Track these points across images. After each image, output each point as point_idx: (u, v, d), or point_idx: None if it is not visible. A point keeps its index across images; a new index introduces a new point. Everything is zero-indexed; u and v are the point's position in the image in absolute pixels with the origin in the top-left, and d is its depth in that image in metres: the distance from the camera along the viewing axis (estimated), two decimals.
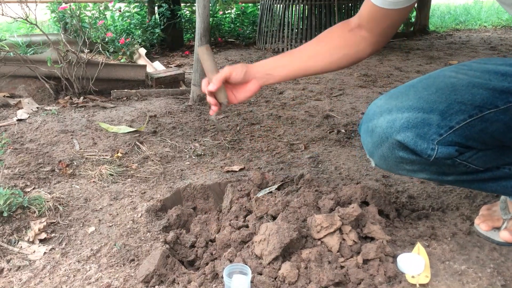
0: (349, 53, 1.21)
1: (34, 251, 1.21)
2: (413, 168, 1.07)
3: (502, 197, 1.24)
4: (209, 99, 1.20)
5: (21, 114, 2.38)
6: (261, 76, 1.21)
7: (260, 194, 1.37)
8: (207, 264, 1.14)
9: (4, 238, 1.26)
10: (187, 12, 5.16)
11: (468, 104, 0.97)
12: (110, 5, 4.68)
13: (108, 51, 4.02)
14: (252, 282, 1.02)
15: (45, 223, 1.32)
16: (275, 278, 1.04)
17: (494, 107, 0.96)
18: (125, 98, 2.78)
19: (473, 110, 0.96)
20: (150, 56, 4.25)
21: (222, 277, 1.05)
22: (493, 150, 1.03)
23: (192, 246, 1.23)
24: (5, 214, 1.32)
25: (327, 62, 1.22)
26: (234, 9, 5.64)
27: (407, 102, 1.01)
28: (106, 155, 1.85)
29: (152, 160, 1.81)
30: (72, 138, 2.05)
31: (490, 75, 0.99)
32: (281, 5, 4.73)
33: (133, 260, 1.16)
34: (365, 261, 1.08)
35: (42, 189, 1.54)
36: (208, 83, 1.19)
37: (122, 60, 3.98)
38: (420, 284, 1.03)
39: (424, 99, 1.00)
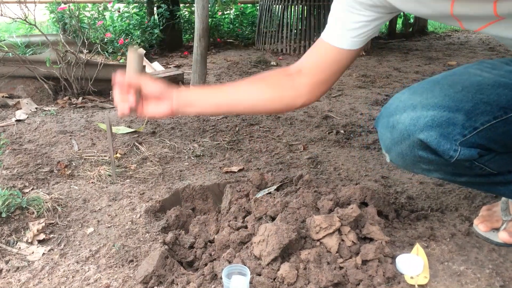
0: (280, 97, 1.13)
1: (33, 252, 1.21)
2: (429, 167, 1.05)
3: (504, 198, 1.24)
4: (118, 97, 1.09)
5: (20, 114, 2.38)
6: (179, 103, 1.10)
7: (259, 195, 1.37)
8: (206, 265, 1.14)
9: (3, 239, 1.26)
10: (186, 12, 5.16)
11: (494, 105, 0.94)
12: (109, 5, 4.68)
13: (107, 51, 4.02)
14: (251, 283, 1.02)
15: (43, 224, 1.32)
16: (274, 279, 1.03)
17: None
18: None
19: (498, 111, 0.94)
20: (149, 57, 4.25)
21: (221, 278, 1.05)
22: (508, 154, 1.02)
23: (191, 247, 1.23)
24: (3, 215, 1.32)
25: (254, 101, 1.14)
26: (233, 9, 5.64)
27: (432, 99, 0.97)
28: (105, 156, 1.85)
29: (151, 161, 1.80)
30: (71, 138, 2.05)
31: None
32: (280, 6, 4.73)
33: (132, 261, 1.15)
34: (364, 262, 1.08)
35: (40, 189, 1.54)
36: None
37: (121, 61, 3.97)
38: (419, 285, 1.03)
39: (450, 97, 0.96)
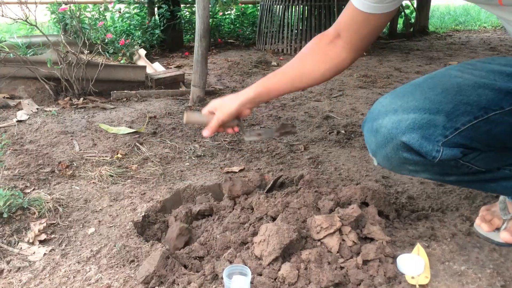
0: (332, 66, 1.24)
1: (34, 252, 1.21)
2: (416, 168, 1.06)
3: (501, 197, 1.24)
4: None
5: (21, 115, 2.38)
6: (250, 105, 1.29)
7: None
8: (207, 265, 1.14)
9: (4, 239, 1.26)
10: (187, 13, 5.16)
11: (474, 105, 0.96)
12: (110, 6, 4.68)
13: (108, 52, 4.02)
14: (252, 283, 1.02)
15: (45, 224, 1.32)
16: (275, 279, 1.04)
17: (500, 108, 0.95)
18: (125, 99, 2.78)
19: (478, 111, 0.96)
20: (150, 57, 4.25)
21: (222, 278, 1.05)
22: (495, 152, 1.03)
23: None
24: (5, 215, 1.32)
25: (312, 79, 1.26)
26: (234, 10, 5.64)
27: (413, 102, 0.99)
28: (106, 156, 1.85)
29: (152, 161, 1.81)
30: (72, 139, 2.05)
31: (496, 75, 0.98)
32: (281, 6, 4.73)
33: (133, 261, 1.16)
34: (365, 262, 1.08)
35: (42, 190, 1.54)
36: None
37: (122, 61, 3.98)
38: (419, 285, 1.03)
39: (430, 99, 0.98)
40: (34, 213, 1.38)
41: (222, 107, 1.27)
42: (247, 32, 5.42)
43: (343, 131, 2.16)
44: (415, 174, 1.11)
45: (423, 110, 0.97)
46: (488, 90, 0.97)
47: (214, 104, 1.29)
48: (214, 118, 1.27)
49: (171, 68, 3.78)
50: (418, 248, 1.13)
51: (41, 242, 1.26)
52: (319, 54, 1.24)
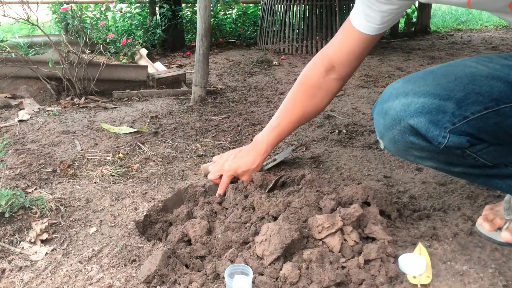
0: (330, 97, 1.44)
1: (36, 252, 1.21)
2: (421, 154, 1.06)
3: (506, 197, 1.23)
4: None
5: (23, 115, 2.38)
6: (269, 151, 1.53)
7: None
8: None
9: (6, 238, 1.26)
10: (188, 12, 5.16)
11: (486, 96, 0.95)
12: (111, 5, 4.69)
13: (109, 51, 4.03)
14: (253, 282, 1.02)
15: (46, 224, 1.32)
16: (277, 279, 1.04)
17: (511, 101, 0.94)
18: (126, 99, 2.79)
19: (489, 102, 0.95)
20: (151, 57, 4.26)
21: (223, 277, 1.05)
22: (504, 146, 1.02)
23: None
24: (6, 215, 1.33)
25: (313, 114, 1.50)
26: (235, 9, 5.64)
27: (424, 87, 0.99)
28: (107, 156, 1.85)
29: (154, 161, 1.81)
30: (73, 138, 2.06)
31: (510, 69, 0.98)
32: (282, 6, 4.73)
33: (134, 260, 1.16)
34: (367, 262, 1.08)
35: (43, 189, 1.55)
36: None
37: (123, 61, 3.98)
38: (421, 285, 1.03)
39: (442, 85, 0.98)
40: (36, 212, 1.38)
41: (245, 173, 1.47)
42: (249, 32, 5.42)
43: (344, 131, 2.16)
44: (420, 161, 1.10)
45: (433, 95, 0.97)
46: (501, 82, 0.96)
47: (230, 167, 1.46)
48: (224, 177, 1.47)
49: (172, 67, 3.78)
50: (420, 247, 1.12)
51: (42, 241, 1.26)
52: (319, 91, 1.42)
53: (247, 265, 1.06)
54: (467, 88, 0.97)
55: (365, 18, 1.21)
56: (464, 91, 0.97)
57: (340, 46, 1.33)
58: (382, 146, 1.14)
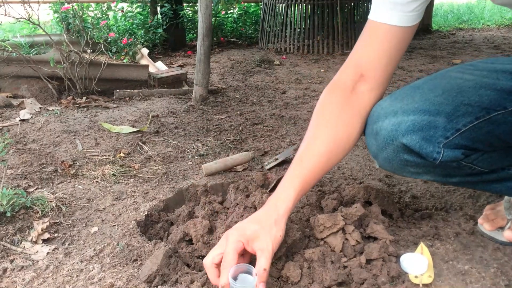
0: (359, 118, 1.06)
1: (37, 251, 1.21)
2: (417, 170, 1.05)
3: (506, 197, 1.23)
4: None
5: (24, 114, 2.39)
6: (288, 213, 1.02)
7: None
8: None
9: (7, 238, 1.26)
10: (190, 12, 5.16)
11: (475, 106, 0.95)
12: (112, 5, 4.69)
13: (110, 51, 4.03)
14: None
15: (48, 223, 1.32)
16: (278, 278, 1.03)
17: (503, 108, 0.94)
18: (127, 98, 2.79)
19: (480, 112, 0.95)
20: (152, 56, 4.26)
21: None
22: (498, 152, 1.02)
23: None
24: (8, 214, 1.33)
25: (344, 154, 1.08)
26: (237, 8, 5.64)
27: (412, 104, 0.98)
28: (108, 155, 1.85)
29: (155, 160, 1.81)
30: (74, 138, 2.06)
31: (498, 74, 0.97)
32: (284, 5, 4.72)
33: (136, 260, 1.16)
34: (368, 261, 1.08)
35: (45, 189, 1.55)
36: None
37: (124, 60, 3.98)
38: (423, 284, 1.02)
39: (430, 101, 0.97)
40: (37, 212, 1.38)
41: (267, 247, 0.94)
42: (250, 31, 5.42)
43: None
44: (417, 176, 1.10)
45: (423, 112, 0.96)
46: (490, 90, 0.95)
47: (248, 237, 0.95)
48: (263, 259, 0.93)
49: (173, 67, 3.78)
50: (422, 247, 1.12)
51: (44, 241, 1.26)
52: (347, 112, 1.05)
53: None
54: (456, 100, 0.96)
55: (389, 8, 1.03)
56: (453, 104, 0.96)
57: (366, 47, 1.07)
58: (377, 166, 1.12)
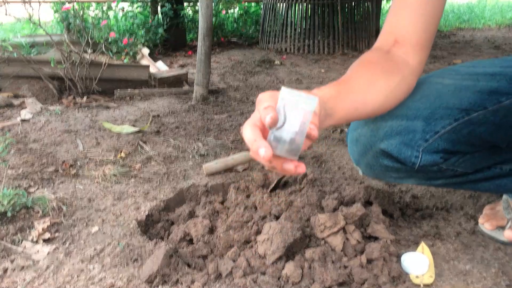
0: (393, 78, 0.91)
1: (38, 251, 1.21)
2: (399, 175, 1.05)
3: (504, 196, 1.23)
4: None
5: (25, 114, 2.39)
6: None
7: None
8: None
9: (8, 238, 1.26)
10: (190, 11, 5.16)
11: (454, 109, 0.94)
12: (113, 5, 4.69)
13: (111, 51, 4.03)
14: (255, 282, 1.02)
15: (48, 223, 1.32)
16: (279, 278, 1.03)
17: (483, 108, 0.92)
18: (128, 98, 2.79)
19: (459, 113, 0.93)
20: (153, 56, 4.26)
21: (225, 276, 1.05)
22: (481, 152, 1.01)
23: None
24: (9, 214, 1.33)
25: (384, 94, 0.90)
26: (237, 8, 5.63)
27: (390, 110, 0.97)
28: (109, 155, 1.85)
29: (155, 160, 1.81)
30: (75, 138, 2.06)
31: (479, 76, 0.96)
32: (284, 5, 4.72)
33: (136, 260, 1.16)
34: (369, 261, 1.08)
35: (45, 189, 1.55)
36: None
37: (125, 60, 3.98)
38: (424, 284, 1.02)
39: (407, 106, 0.96)
40: (38, 212, 1.38)
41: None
42: (250, 31, 5.41)
43: (346, 130, 2.15)
44: (400, 181, 1.10)
45: (400, 117, 0.96)
46: (469, 92, 0.94)
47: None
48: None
49: (174, 67, 3.78)
50: (423, 247, 1.12)
51: (45, 241, 1.26)
52: (385, 68, 0.91)
53: (249, 264, 1.06)
54: (434, 104, 0.95)
55: None
56: (430, 108, 0.95)
57: (399, 12, 0.95)
58: (360, 173, 1.13)
